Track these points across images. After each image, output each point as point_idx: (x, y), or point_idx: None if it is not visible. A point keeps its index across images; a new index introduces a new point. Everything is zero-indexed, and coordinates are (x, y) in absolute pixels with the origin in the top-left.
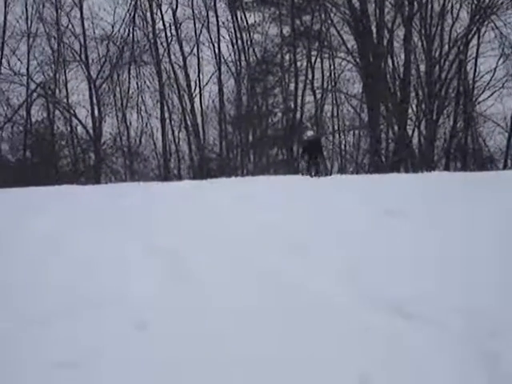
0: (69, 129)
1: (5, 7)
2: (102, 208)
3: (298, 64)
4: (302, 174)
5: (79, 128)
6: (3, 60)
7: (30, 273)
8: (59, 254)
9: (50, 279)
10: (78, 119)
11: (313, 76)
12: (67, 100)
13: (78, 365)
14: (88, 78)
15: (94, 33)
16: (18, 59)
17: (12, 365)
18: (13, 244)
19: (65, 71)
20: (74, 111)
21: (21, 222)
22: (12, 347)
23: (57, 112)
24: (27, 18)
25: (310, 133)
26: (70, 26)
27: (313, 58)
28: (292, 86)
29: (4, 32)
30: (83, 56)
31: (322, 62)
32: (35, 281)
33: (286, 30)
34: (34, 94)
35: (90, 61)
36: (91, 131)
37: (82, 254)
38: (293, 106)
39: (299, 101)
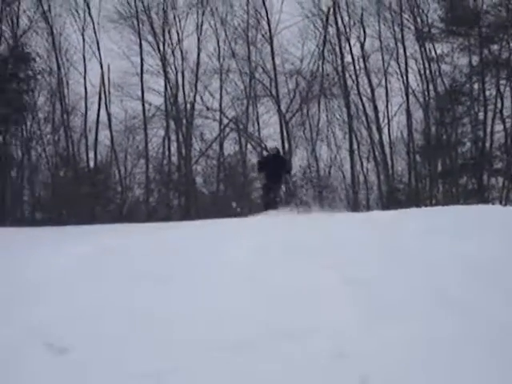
0: None
1: (198, 45)
2: (295, 239)
3: (487, 93)
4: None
5: None
6: (197, 96)
7: (222, 300)
8: (253, 282)
9: (244, 308)
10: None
11: (502, 105)
12: (259, 134)
13: None
14: (278, 111)
15: (284, 67)
16: (211, 95)
17: None
18: (210, 272)
19: (256, 106)
20: (265, 144)
21: (217, 251)
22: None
23: (248, 145)
24: (219, 55)
25: (272, 145)
26: (260, 61)
27: (502, 87)
28: (481, 116)
29: (197, 69)
30: (274, 91)
31: (511, 91)
32: (226, 308)
33: (475, 59)
34: (227, 129)
35: (281, 95)
36: None
37: (275, 283)
38: (482, 135)
39: (488, 130)
